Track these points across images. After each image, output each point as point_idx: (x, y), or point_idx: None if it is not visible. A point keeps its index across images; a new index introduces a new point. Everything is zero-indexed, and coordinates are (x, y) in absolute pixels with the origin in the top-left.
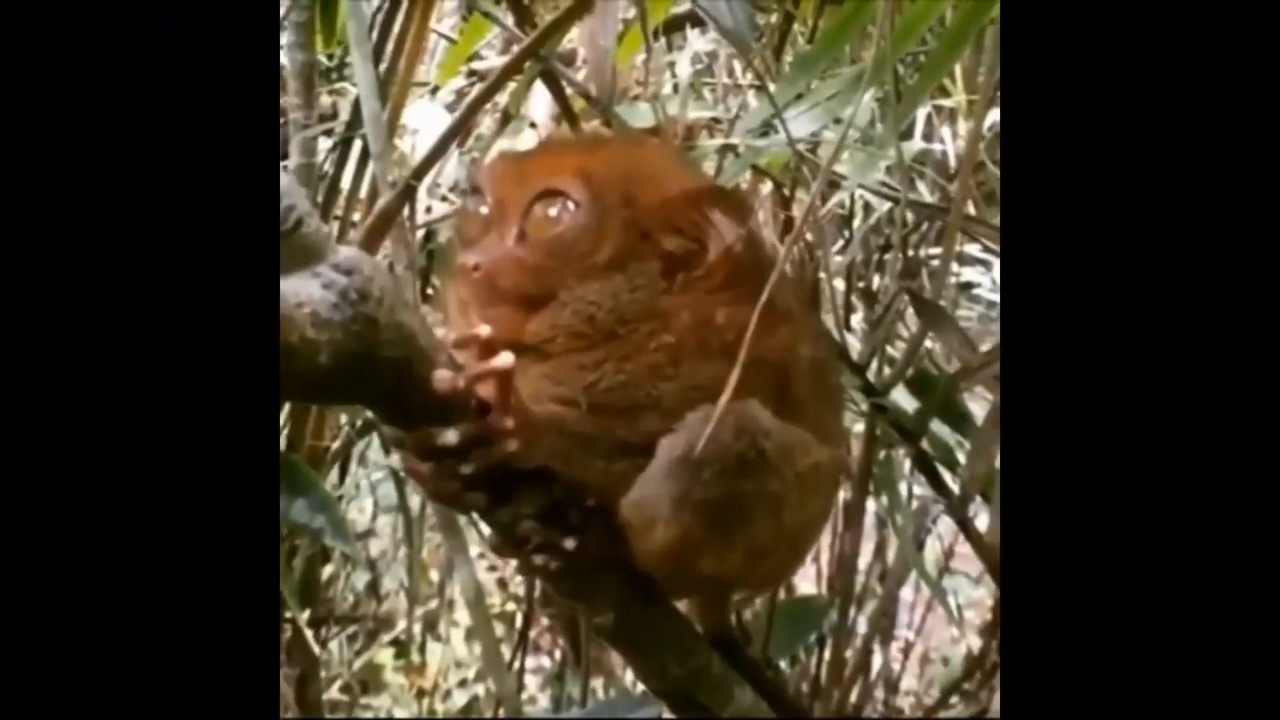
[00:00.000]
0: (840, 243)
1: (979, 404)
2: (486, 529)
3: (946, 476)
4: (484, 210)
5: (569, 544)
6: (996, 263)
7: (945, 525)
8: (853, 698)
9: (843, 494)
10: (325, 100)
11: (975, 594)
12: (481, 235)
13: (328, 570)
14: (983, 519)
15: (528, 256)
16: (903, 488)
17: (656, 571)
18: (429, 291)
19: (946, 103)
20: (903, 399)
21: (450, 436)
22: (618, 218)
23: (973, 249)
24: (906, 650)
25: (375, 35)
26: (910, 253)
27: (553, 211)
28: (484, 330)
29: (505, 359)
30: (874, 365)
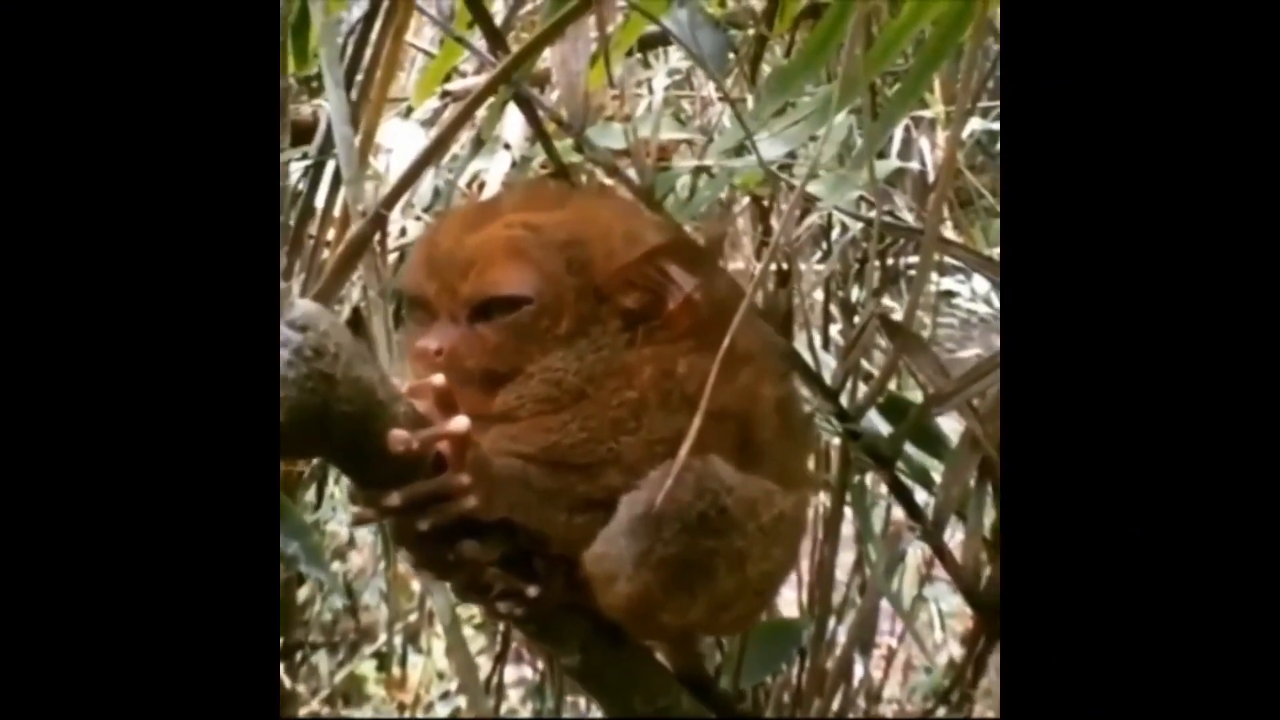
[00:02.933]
0: (818, 254)
1: (953, 425)
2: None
3: (921, 497)
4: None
5: (532, 591)
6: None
7: None
8: (835, 705)
9: (821, 505)
10: (305, 110)
11: (956, 600)
12: (430, 317)
13: (305, 590)
14: (956, 538)
15: (488, 337)
16: (877, 509)
17: (621, 621)
18: (402, 314)
19: (925, 114)
20: (876, 422)
21: (394, 499)
22: (570, 290)
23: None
24: (889, 658)
25: (349, 53)
26: (890, 262)
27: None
28: (437, 379)
29: (460, 423)
30: (848, 387)
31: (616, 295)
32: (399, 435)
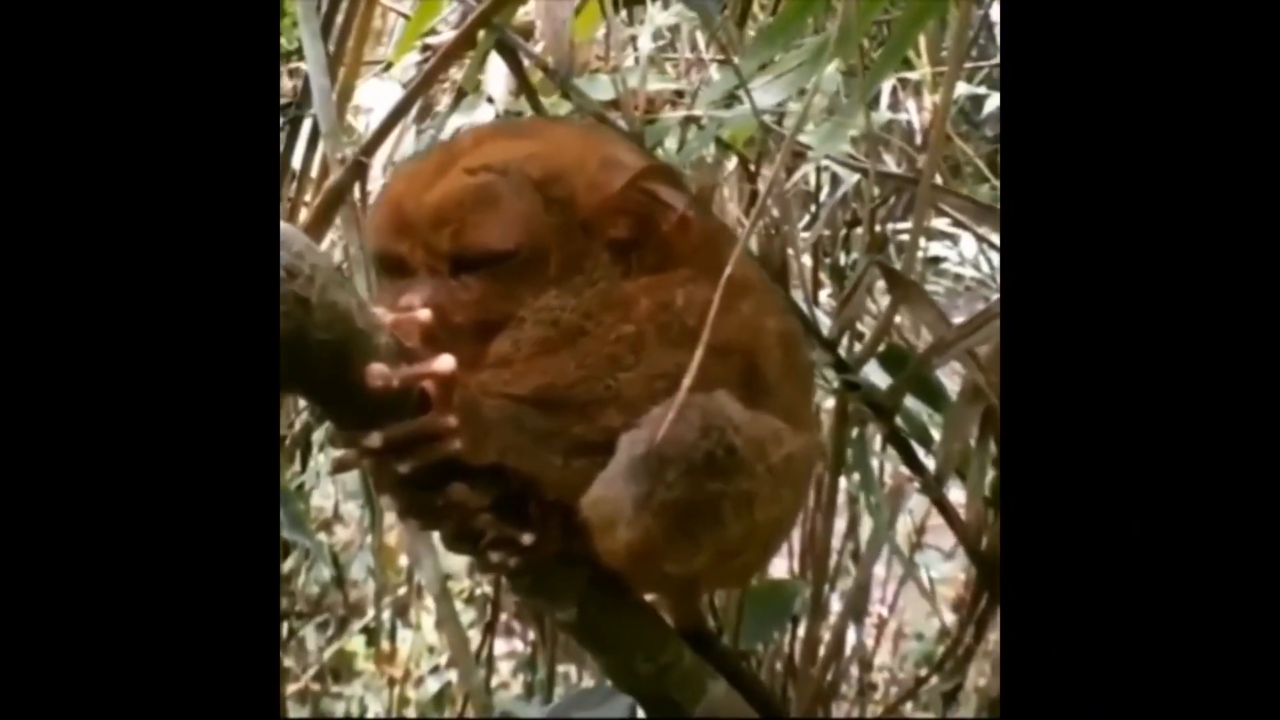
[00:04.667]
0: (807, 217)
1: (952, 379)
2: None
3: (920, 453)
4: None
5: (526, 539)
6: (965, 236)
7: (916, 500)
8: (828, 674)
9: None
10: (285, 83)
11: (947, 568)
12: (406, 275)
13: (290, 562)
14: (956, 494)
15: (475, 288)
16: (874, 464)
17: (621, 569)
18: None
19: (911, 75)
20: (874, 375)
21: (374, 440)
22: (553, 229)
23: (940, 223)
24: (880, 626)
25: (324, 8)
26: (878, 227)
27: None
28: (423, 314)
29: (445, 362)
30: (844, 341)
31: (605, 226)
32: (378, 370)
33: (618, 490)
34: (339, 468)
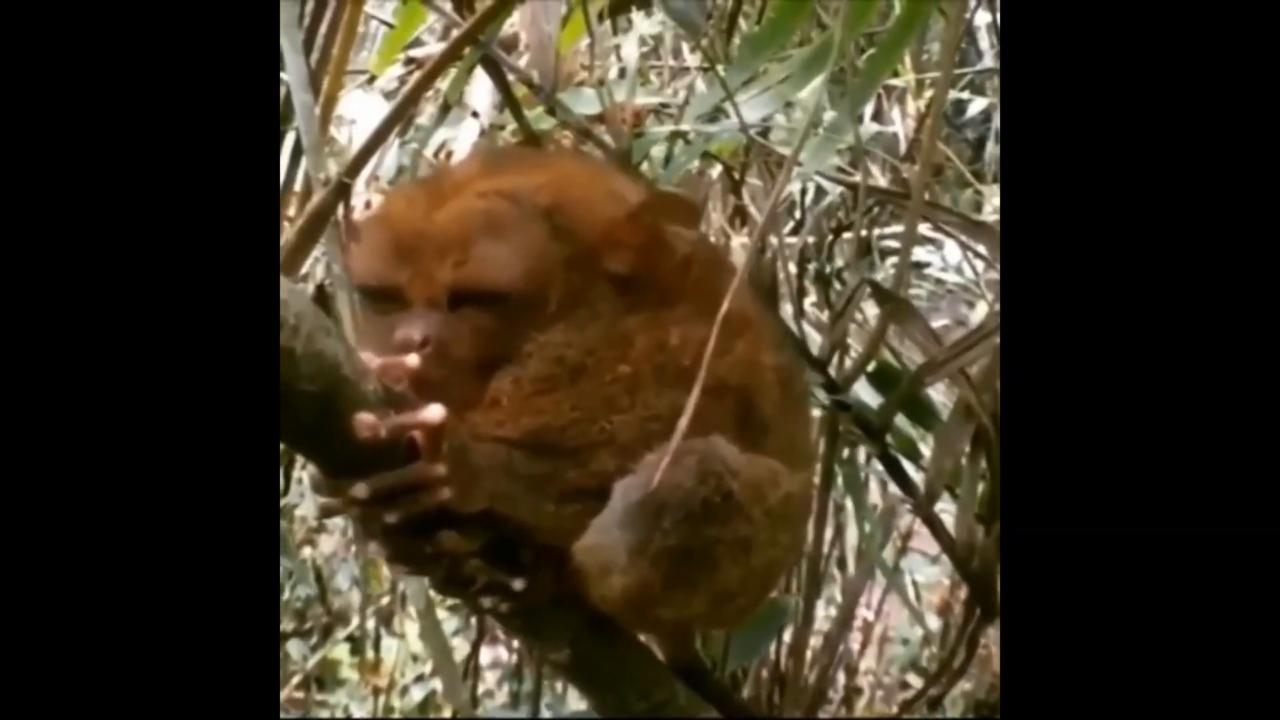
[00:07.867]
0: (791, 224)
1: (943, 397)
2: None
3: (909, 469)
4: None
5: (518, 585)
6: (948, 242)
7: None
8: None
9: None
10: None
11: (931, 572)
12: (401, 305)
13: None
14: (943, 508)
15: (478, 322)
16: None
17: (615, 615)
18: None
19: (896, 83)
20: (864, 393)
21: (360, 490)
22: (559, 260)
23: (923, 228)
24: (866, 631)
25: (306, 23)
26: (863, 233)
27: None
28: (411, 359)
29: (434, 412)
30: (834, 359)
31: (608, 258)
32: (365, 420)
33: (613, 537)
34: (325, 515)
